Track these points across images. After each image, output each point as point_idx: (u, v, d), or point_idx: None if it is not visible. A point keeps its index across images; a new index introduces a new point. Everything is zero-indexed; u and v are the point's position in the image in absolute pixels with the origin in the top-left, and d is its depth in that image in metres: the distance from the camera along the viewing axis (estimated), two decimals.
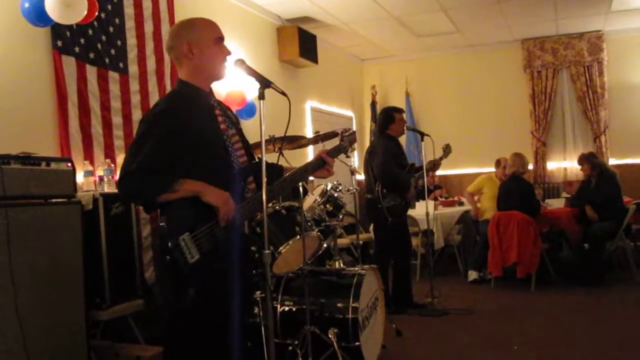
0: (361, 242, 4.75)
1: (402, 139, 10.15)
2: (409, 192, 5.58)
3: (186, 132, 2.46)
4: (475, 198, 7.64)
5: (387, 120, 5.74)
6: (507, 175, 7.01)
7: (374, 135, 5.70)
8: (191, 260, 2.34)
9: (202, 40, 2.64)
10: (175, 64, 2.69)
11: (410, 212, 7.41)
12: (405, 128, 5.89)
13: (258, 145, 2.62)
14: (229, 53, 2.72)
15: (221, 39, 2.71)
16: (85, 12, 4.00)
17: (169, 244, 2.33)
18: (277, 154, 3.48)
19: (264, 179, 2.53)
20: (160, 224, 2.39)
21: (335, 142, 4.75)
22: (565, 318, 5.24)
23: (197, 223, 2.40)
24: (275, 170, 2.89)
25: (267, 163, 2.58)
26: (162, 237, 2.39)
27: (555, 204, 7.52)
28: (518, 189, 6.71)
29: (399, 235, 5.67)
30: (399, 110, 5.88)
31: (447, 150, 6.11)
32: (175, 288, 2.47)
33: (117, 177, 4.47)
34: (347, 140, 3.13)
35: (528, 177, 9.24)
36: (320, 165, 2.89)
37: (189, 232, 2.37)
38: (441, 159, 6.01)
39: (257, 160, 2.78)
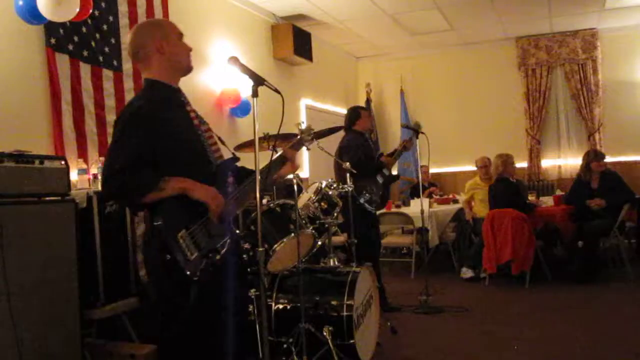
0: (356, 240, 4.75)
1: (397, 136, 10.24)
2: (385, 165, 5.69)
3: (163, 130, 2.45)
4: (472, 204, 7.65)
5: (354, 117, 5.88)
6: (495, 178, 7.04)
7: (344, 132, 5.75)
8: (191, 258, 2.35)
9: (170, 36, 2.65)
10: (141, 65, 2.66)
11: (405, 209, 7.44)
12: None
13: (252, 142, 2.61)
14: (191, 49, 2.74)
15: (182, 35, 2.73)
16: (78, 10, 3.98)
17: (168, 243, 2.32)
18: (271, 151, 3.47)
19: (258, 177, 2.53)
20: (156, 223, 2.36)
21: (332, 141, 4.77)
22: (559, 315, 5.25)
23: (191, 220, 2.40)
24: (244, 171, 2.90)
25: (236, 165, 2.66)
26: (159, 236, 2.36)
27: (549, 202, 7.52)
28: (504, 191, 6.73)
29: (373, 233, 5.72)
30: (365, 108, 6.19)
31: (416, 127, 6.23)
32: (174, 287, 2.45)
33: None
34: (306, 133, 3.17)
35: (522, 174, 9.31)
36: (284, 162, 2.91)
37: (185, 230, 2.37)
38: (410, 138, 6.08)
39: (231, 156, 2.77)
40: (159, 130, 2.43)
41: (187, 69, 2.72)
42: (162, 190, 2.36)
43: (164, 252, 2.33)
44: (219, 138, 2.78)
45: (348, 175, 4.73)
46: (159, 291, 2.58)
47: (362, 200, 5.40)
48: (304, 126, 3.28)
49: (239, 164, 2.78)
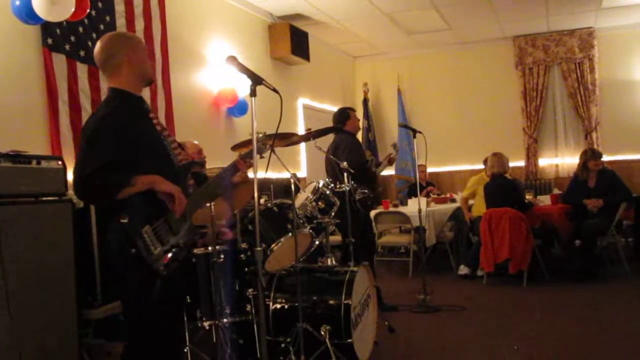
0: (353, 239, 4.74)
1: (394, 135, 10.25)
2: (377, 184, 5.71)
3: (129, 134, 2.59)
4: (470, 202, 7.64)
5: (343, 118, 5.84)
6: (488, 177, 7.05)
7: (335, 133, 5.71)
8: (155, 252, 2.50)
9: (140, 49, 2.83)
10: (108, 73, 2.79)
11: (402, 209, 7.44)
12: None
13: (249, 142, 2.65)
14: (151, 64, 2.95)
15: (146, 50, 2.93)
16: (73, 9, 3.98)
17: (133, 237, 2.47)
18: (269, 151, 3.48)
19: (256, 177, 2.57)
20: (122, 220, 2.49)
21: (329, 140, 4.77)
22: (557, 314, 5.25)
23: (154, 217, 2.56)
24: (200, 178, 3.12)
25: (192, 172, 2.88)
26: (124, 232, 2.49)
27: (546, 201, 7.53)
28: (501, 188, 6.73)
29: (367, 231, 5.71)
30: (353, 109, 6.11)
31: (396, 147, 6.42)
32: (139, 280, 2.58)
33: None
34: (261, 141, 3.26)
35: (519, 173, 9.34)
36: (236, 171, 3.11)
37: (149, 225, 2.51)
38: (396, 153, 6.30)
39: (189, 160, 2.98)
40: (125, 135, 2.57)
41: (151, 81, 2.95)
42: (134, 185, 2.50)
43: (129, 247, 2.47)
44: (179, 144, 2.97)
45: (346, 174, 4.73)
46: (124, 286, 2.72)
47: (357, 197, 5.39)
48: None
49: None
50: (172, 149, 2.81)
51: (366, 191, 5.43)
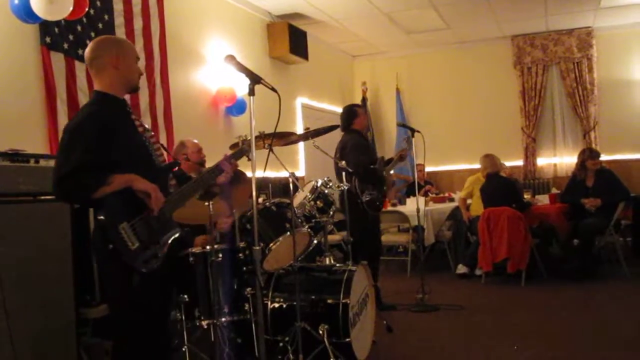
0: (351, 238, 4.74)
1: (393, 135, 10.25)
2: (385, 184, 5.58)
3: (111, 134, 2.62)
4: (468, 201, 7.63)
5: (351, 116, 5.71)
6: (484, 177, 7.05)
7: (343, 131, 5.60)
8: (132, 247, 2.53)
9: (128, 55, 2.86)
10: (94, 74, 2.82)
11: (400, 208, 7.44)
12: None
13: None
14: (142, 73, 3.00)
15: (138, 58, 2.96)
16: (71, 8, 3.98)
17: (110, 234, 2.51)
18: (267, 150, 3.48)
19: (254, 177, 2.57)
20: (99, 217, 2.56)
21: (328, 139, 4.77)
22: (555, 313, 5.26)
23: (132, 215, 2.59)
24: (182, 178, 3.20)
25: (173, 172, 2.97)
26: (102, 229, 2.56)
27: (545, 200, 7.54)
28: (498, 187, 6.74)
29: (373, 232, 5.67)
30: (360, 106, 6.03)
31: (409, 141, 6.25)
32: (119, 275, 2.63)
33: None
34: (247, 144, 3.27)
35: (518, 173, 9.35)
36: (220, 172, 3.13)
37: (126, 222, 2.55)
38: (406, 148, 6.06)
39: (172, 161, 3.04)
40: (105, 135, 2.60)
41: (135, 89, 2.96)
42: (111, 184, 2.54)
43: (107, 243, 2.52)
44: (162, 145, 3.03)
45: (344, 173, 4.72)
46: (107, 284, 2.80)
47: (363, 199, 5.36)
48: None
49: None
50: (154, 150, 2.85)
51: (374, 192, 5.41)
